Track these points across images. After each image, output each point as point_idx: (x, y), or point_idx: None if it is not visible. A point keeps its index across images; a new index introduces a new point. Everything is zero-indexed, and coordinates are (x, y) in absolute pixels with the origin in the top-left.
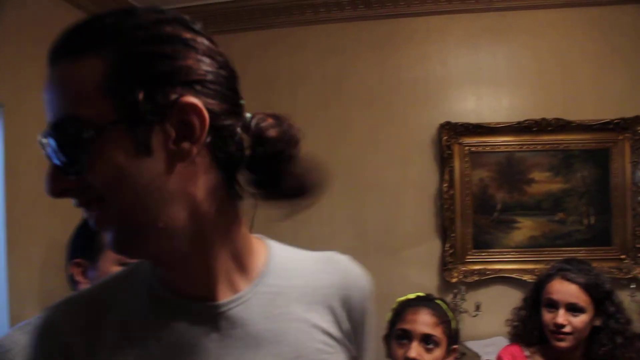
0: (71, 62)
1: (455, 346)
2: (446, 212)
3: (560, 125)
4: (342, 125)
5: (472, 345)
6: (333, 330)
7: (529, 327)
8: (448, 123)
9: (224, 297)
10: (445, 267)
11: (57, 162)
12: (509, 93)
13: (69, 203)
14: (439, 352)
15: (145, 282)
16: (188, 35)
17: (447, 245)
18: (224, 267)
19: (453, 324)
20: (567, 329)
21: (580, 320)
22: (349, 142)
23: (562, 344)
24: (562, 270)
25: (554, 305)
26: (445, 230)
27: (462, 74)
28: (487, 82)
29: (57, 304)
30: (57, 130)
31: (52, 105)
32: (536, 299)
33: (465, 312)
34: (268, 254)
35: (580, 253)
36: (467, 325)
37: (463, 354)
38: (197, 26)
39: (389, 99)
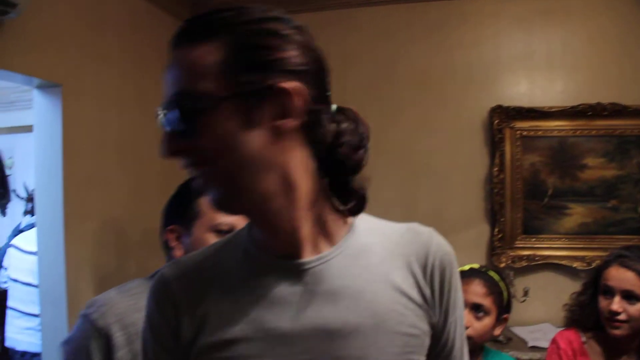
0: (193, 45)
1: (505, 315)
2: (496, 196)
3: (616, 110)
4: (393, 109)
5: (519, 331)
6: (413, 293)
7: (586, 313)
8: (500, 107)
9: (308, 256)
10: (493, 251)
11: (174, 128)
12: (562, 76)
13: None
14: (488, 320)
15: (242, 245)
16: (288, 31)
17: (496, 229)
18: (310, 231)
19: (504, 295)
20: (622, 317)
21: (637, 308)
22: (400, 125)
23: (617, 332)
24: (621, 256)
25: (610, 292)
26: (494, 215)
27: (515, 57)
28: (541, 66)
29: (169, 265)
30: (179, 100)
31: (173, 81)
32: (595, 284)
33: (513, 297)
34: (353, 222)
35: (633, 241)
36: (514, 310)
37: (509, 339)
38: (296, 24)
39: (440, 83)
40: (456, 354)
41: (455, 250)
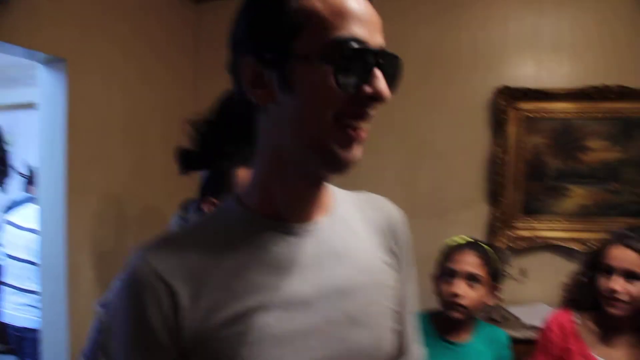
0: None
1: (497, 285)
2: (497, 177)
3: (623, 93)
4: (398, 88)
5: (515, 310)
6: (386, 251)
7: (584, 292)
8: (505, 87)
9: (314, 221)
10: (493, 232)
11: (388, 76)
12: (570, 58)
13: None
14: (481, 289)
15: (237, 217)
16: None
17: (496, 210)
18: (318, 199)
19: (496, 266)
20: (622, 297)
21: (638, 289)
22: (405, 104)
23: (615, 311)
24: (623, 236)
25: (611, 272)
26: (495, 195)
27: (523, 38)
28: (549, 47)
29: (145, 252)
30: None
31: (377, 31)
32: (595, 264)
33: (511, 277)
34: (332, 193)
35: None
36: (511, 290)
37: (506, 319)
38: None
39: (447, 63)
40: (413, 307)
41: (455, 228)
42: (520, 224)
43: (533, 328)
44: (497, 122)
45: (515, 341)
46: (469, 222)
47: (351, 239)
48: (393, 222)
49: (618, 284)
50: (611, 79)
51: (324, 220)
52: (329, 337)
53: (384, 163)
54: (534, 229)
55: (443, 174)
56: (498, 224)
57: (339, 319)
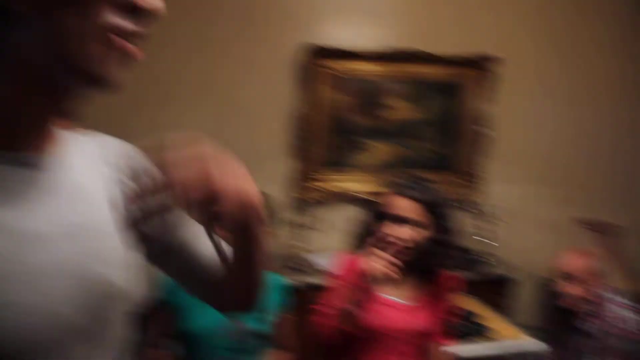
0: None
1: (269, 230)
2: (303, 132)
3: (420, 57)
4: (205, 39)
5: (317, 259)
6: (125, 188)
7: (366, 239)
8: (313, 45)
9: (49, 154)
10: (297, 184)
11: None
12: (376, 21)
13: None
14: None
15: None
16: None
17: (301, 164)
18: (54, 133)
19: (272, 213)
20: (397, 241)
21: (412, 232)
22: (211, 56)
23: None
24: (398, 185)
25: (387, 218)
26: (300, 150)
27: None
28: (357, 8)
29: None
30: None
31: None
32: (376, 212)
33: (314, 228)
34: (65, 132)
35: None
36: (314, 240)
37: (308, 266)
38: None
39: (257, 19)
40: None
41: (261, 182)
42: (324, 177)
43: (327, 274)
44: (305, 80)
45: (311, 287)
46: (275, 175)
47: (86, 175)
48: (128, 156)
49: (393, 230)
50: (414, 44)
51: (60, 155)
52: (66, 275)
53: (189, 118)
54: (338, 181)
55: (249, 129)
56: (303, 178)
57: (77, 256)
